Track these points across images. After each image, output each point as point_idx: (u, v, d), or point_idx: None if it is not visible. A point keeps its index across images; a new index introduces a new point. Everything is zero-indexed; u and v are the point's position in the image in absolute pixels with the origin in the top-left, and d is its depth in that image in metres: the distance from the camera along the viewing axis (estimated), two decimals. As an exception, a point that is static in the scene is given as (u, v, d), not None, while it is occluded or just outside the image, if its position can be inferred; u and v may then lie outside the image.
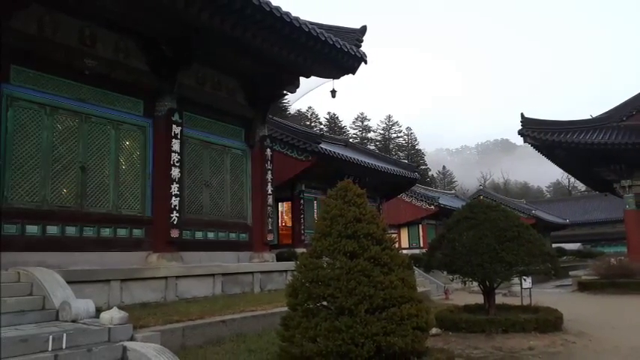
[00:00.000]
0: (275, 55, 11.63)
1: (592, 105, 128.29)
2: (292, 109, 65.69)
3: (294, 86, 14.09)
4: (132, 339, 5.88)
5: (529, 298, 11.67)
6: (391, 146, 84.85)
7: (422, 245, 32.51)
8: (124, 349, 5.57)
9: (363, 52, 13.12)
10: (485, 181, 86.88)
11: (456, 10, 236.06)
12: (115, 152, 10.14)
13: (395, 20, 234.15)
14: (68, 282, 7.14)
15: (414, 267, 14.13)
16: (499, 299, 11.35)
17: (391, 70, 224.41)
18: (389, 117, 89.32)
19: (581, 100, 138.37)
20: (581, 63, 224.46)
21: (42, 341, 5.13)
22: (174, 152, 10.75)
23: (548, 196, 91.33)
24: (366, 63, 13.25)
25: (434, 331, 8.54)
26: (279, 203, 19.81)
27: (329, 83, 14.06)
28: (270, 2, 10.05)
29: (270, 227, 13.47)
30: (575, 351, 8.48)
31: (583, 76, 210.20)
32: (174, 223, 10.48)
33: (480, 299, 10.96)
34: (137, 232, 10.28)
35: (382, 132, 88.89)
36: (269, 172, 13.65)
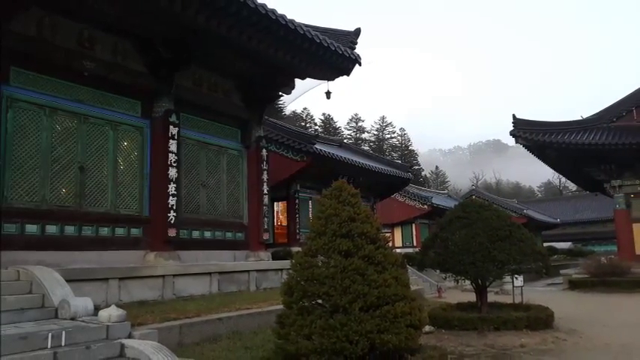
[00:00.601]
0: (271, 57, 11.73)
1: (592, 105, 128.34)
2: (288, 110, 65.83)
3: (289, 88, 14.23)
4: (130, 336, 5.94)
5: (520, 296, 11.79)
6: (385, 147, 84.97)
7: (415, 244, 32.69)
8: (122, 346, 5.63)
9: (358, 54, 13.23)
10: (477, 181, 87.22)
11: (456, 10, 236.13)
12: (113, 153, 10.23)
13: (395, 20, 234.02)
14: (67, 280, 7.20)
15: (408, 266, 14.32)
16: (491, 297, 11.44)
17: (391, 71, 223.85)
18: (383, 118, 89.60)
19: (581, 100, 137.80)
20: (581, 63, 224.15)
21: (41, 339, 5.19)
22: (172, 153, 10.84)
23: (540, 195, 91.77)
24: (360, 65, 13.36)
25: (427, 328, 8.64)
26: (275, 203, 19.89)
27: (324, 85, 14.14)
28: (266, 5, 10.16)
29: (266, 226, 13.59)
30: (566, 348, 8.56)
31: (583, 76, 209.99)
32: (172, 222, 10.58)
33: (472, 297, 11.08)
34: (135, 232, 10.38)
35: (376, 133, 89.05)
36: (265, 172, 13.76)
